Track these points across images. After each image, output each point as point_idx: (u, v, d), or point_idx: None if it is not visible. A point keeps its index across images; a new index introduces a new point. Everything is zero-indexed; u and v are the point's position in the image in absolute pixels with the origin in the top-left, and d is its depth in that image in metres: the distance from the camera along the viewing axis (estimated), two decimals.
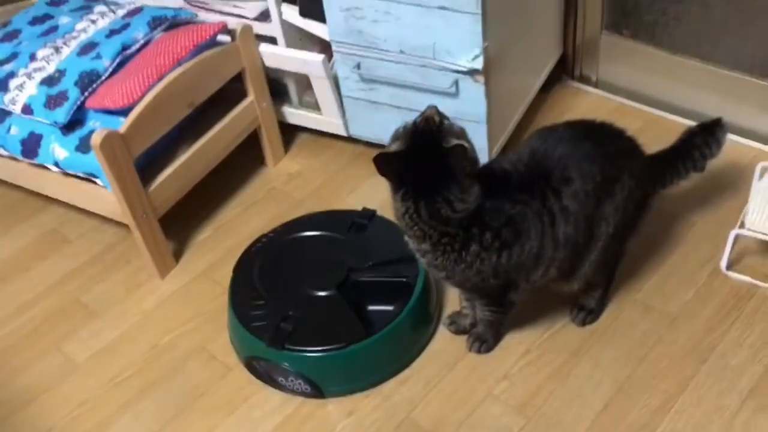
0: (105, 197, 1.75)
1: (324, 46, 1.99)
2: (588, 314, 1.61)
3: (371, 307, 1.60)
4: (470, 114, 1.84)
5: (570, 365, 1.55)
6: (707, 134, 1.62)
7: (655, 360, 1.53)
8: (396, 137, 1.30)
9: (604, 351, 1.56)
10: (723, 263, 1.66)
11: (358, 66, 1.89)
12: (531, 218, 1.34)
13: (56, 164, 1.77)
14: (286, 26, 1.98)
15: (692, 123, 2.04)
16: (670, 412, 1.44)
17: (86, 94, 1.78)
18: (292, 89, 2.11)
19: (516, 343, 1.60)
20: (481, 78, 1.75)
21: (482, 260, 1.34)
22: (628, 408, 1.46)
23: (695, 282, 1.66)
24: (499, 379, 1.54)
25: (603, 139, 1.46)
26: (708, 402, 1.45)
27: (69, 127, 1.76)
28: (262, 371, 1.59)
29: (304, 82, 2.10)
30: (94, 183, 1.77)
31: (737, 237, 1.64)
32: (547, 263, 1.40)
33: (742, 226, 1.62)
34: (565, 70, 2.27)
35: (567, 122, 1.51)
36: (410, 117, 1.91)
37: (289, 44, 2.01)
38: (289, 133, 2.20)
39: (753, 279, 1.64)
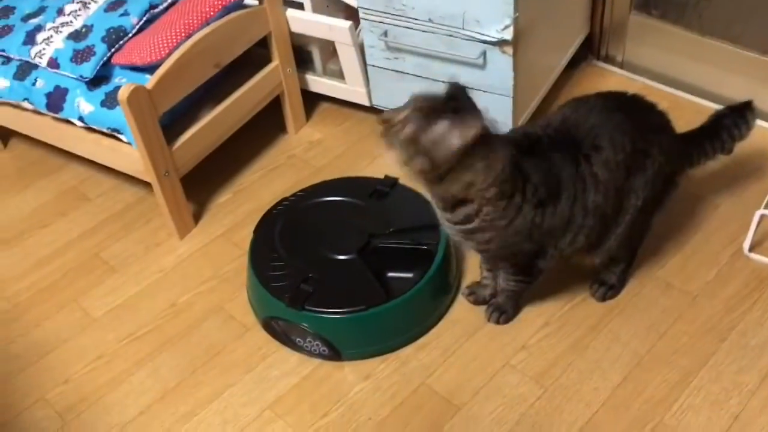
0: (129, 154, 1.75)
1: (351, 13, 1.98)
2: (609, 289, 1.60)
3: (391, 274, 1.59)
4: (496, 86, 1.82)
5: (589, 338, 1.54)
6: (737, 116, 1.61)
7: (675, 336, 1.53)
8: (415, 107, 1.28)
9: (624, 326, 1.56)
10: (746, 244, 1.65)
11: (385, 34, 1.88)
12: (564, 180, 1.34)
13: (81, 119, 1.77)
14: None
15: (718, 106, 2.04)
16: (689, 387, 1.44)
17: (113, 50, 1.78)
18: (317, 57, 2.10)
19: (535, 315, 1.60)
20: (509, 49, 1.74)
21: (523, 215, 1.32)
22: (646, 382, 1.46)
23: (717, 262, 1.65)
24: (518, 350, 1.54)
25: (635, 112, 1.45)
26: (726, 379, 1.44)
27: (95, 82, 1.76)
28: (281, 331, 1.59)
29: (329, 50, 2.09)
30: (118, 139, 1.77)
31: (762, 218, 1.63)
32: (576, 230, 1.39)
33: (767, 207, 1.61)
34: (591, 50, 2.25)
35: (599, 93, 1.50)
36: (434, 88, 1.91)
37: (316, 10, 1.99)
38: (312, 101, 2.19)
39: None
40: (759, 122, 1.97)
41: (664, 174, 1.45)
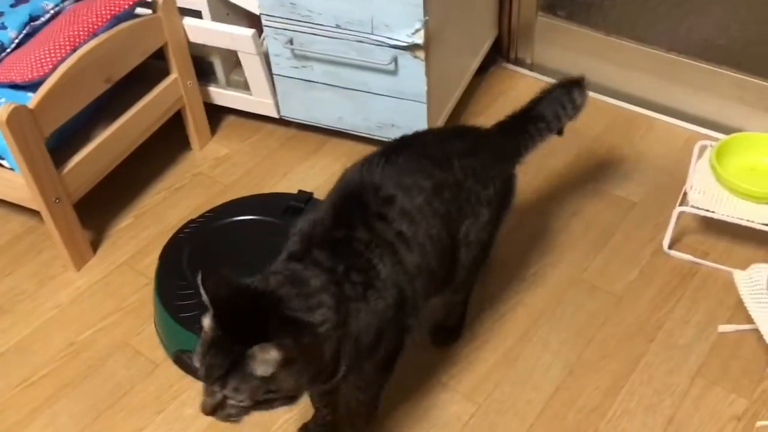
0: (12, 180, 1.59)
1: (253, 21, 1.88)
2: (451, 333, 1.50)
3: None
4: (410, 93, 1.77)
5: (518, 349, 1.50)
6: (563, 94, 1.48)
7: (603, 340, 1.50)
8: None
9: (553, 332, 1.52)
10: (665, 242, 1.65)
11: (291, 41, 1.79)
12: (369, 257, 1.10)
13: None
14: None
15: (628, 106, 2.07)
16: (621, 393, 1.41)
17: None
18: (219, 68, 1.98)
19: (463, 329, 1.54)
20: (421, 53, 1.68)
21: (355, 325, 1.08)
22: (579, 389, 1.42)
23: (639, 261, 1.65)
24: (447, 367, 1.48)
25: (422, 147, 1.26)
26: (658, 381, 1.43)
27: None
28: (193, 366, 1.46)
29: (232, 60, 1.98)
30: (0, 165, 1.60)
31: (680, 215, 1.63)
32: (414, 296, 1.17)
33: (684, 203, 1.62)
34: (500, 53, 2.23)
35: (377, 151, 1.27)
36: (345, 96, 1.85)
37: (215, 18, 1.88)
38: (216, 114, 2.07)
39: (694, 257, 1.63)
40: (667, 119, 2.01)
41: (495, 193, 1.29)
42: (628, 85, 2.06)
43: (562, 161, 1.90)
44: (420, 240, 1.16)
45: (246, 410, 1.00)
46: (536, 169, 1.87)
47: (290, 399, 1.02)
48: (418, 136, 1.34)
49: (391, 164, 1.19)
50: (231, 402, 0.99)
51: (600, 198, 1.80)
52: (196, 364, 1.01)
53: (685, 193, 1.64)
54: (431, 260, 1.18)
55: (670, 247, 1.65)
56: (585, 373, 1.45)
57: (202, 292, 0.99)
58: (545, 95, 1.48)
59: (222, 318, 0.99)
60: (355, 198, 1.16)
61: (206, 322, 1.00)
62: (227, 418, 1.01)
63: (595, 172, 1.87)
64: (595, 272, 1.63)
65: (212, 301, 0.99)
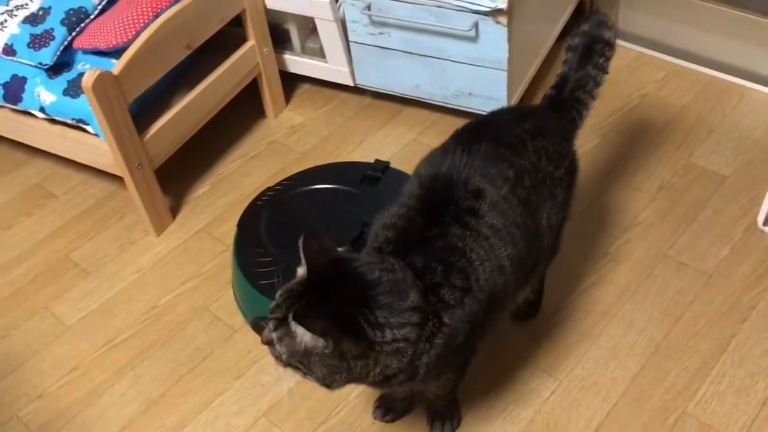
0: (96, 146, 1.61)
1: None
2: (531, 307, 1.45)
3: None
4: (490, 60, 1.71)
5: (602, 325, 1.45)
6: (593, 41, 1.35)
7: (692, 319, 1.44)
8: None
9: (637, 311, 1.47)
10: (761, 218, 1.57)
11: (369, 7, 1.75)
12: (464, 252, 1.06)
13: (42, 110, 1.63)
14: None
15: (718, 74, 1.96)
16: (711, 373, 1.36)
17: (74, 33, 1.63)
18: (295, 35, 1.97)
19: (542, 304, 1.50)
20: (504, 19, 1.63)
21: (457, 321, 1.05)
22: (665, 370, 1.37)
23: (731, 238, 1.57)
24: (527, 342, 1.44)
25: (497, 134, 1.21)
26: (751, 362, 1.36)
27: (56, 69, 1.62)
28: None
29: (308, 27, 1.96)
30: (84, 131, 1.63)
31: None
32: (504, 295, 1.14)
33: None
34: (582, 19, 2.15)
35: (453, 134, 1.25)
36: (422, 63, 1.81)
37: None
38: (291, 82, 2.07)
39: None
40: (761, 88, 1.90)
41: (561, 178, 1.23)
42: (719, 53, 1.95)
43: (648, 132, 1.82)
44: (511, 230, 1.12)
45: (284, 363, 1.01)
46: (622, 140, 1.81)
47: (323, 383, 1.01)
48: (487, 122, 1.30)
49: (473, 155, 1.15)
50: (276, 346, 1.00)
51: (688, 171, 1.72)
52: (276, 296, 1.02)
53: None
54: (522, 250, 1.13)
55: (765, 224, 1.57)
56: (672, 353, 1.39)
57: (301, 252, 1.00)
58: (576, 51, 1.36)
59: (309, 278, 0.99)
60: (444, 193, 1.11)
61: (300, 271, 1.02)
62: (275, 359, 1.03)
63: (683, 144, 1.78)
64: (683, 248, 1.57)
65: (307, 262, 0.99)
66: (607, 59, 1.37)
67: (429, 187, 1.13)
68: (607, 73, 1.38)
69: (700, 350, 1.39)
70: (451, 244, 1.07)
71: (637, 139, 1.81)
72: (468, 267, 1.06)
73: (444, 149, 1.19)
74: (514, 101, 1.82)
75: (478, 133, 1.22)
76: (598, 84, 1.36)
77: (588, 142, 1.81)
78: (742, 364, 1.36)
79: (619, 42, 2.10)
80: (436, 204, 1.11)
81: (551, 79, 1.99)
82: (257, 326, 1.50)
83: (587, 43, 1.36)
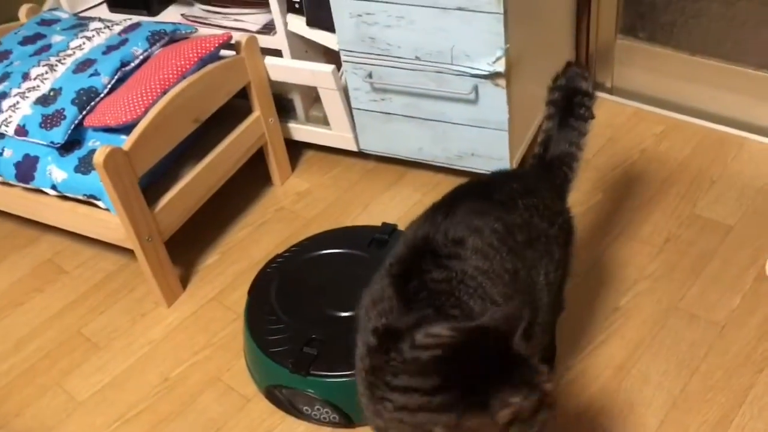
0: (107, 221, 1.63)
1: (331, 57, 1.91)
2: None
3: None
4: (491, 121, 1.75)
5: (617, 380, 1.44)
6: (571, 94, 1.36)
7: (708, 371, 1.43)
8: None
9: (652, 364, 1.46)
10: None
11: (370, 75, 1.80)
12: (454, 291, 1.02)
13: (54, 187, 1.66)
14: (292, 37, 1.89)
15: (716, 126, 2.00)
16: (731, 426, 1.34)
17: (84, 112, 1.67)
18: (298, 104, 2.02)
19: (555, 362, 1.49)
20: (502, 82, 1.67)
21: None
22: (685, 425, 1.35)
23: (741, 288, 1.57)
24: None
25: (482, 193, 1.20)
26: None
27: (67, 147, 1.65)
28: (285, 400, 1.46)
29: (311, 96, 2.01)
30: (95, 206, 1.65)
31: None
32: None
33: None
34: None
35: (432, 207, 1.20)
36: (425, 127, 1.85)
37: (295, 56, 1.92)
38: (296, 150, 2.10)
39: None
40: (759, 138, 1.93)
41: (560, 229, 1.22)
42: (716, 105, 1.99)
43: (650, 186, 1.84)
44: (499, 273, 1.07)
45: None
46: (624, 195, 1.82)
47: None
48: (475, 182, 1.29)
49: (454, 214, 1.12)
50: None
51: (693, 223, 1.73)
52: None
53: None
54: (515, 293, 1.10)
55: None
56: (691, 407, 1.38)
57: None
58: (557, 105, 1.36)
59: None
60: (422, 247, 1.07)
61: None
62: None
63: (686, 196, 1.80)
64: (693, 300, 1.57)
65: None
66: (588, 108, 1.37)
67: (410, 246, 1.09)
68: (590, 119, 1.37)
69: (718, 402, 1.38)
70: (438, 290, 1.01)
71: (640, 194, 1.83)
72: (461, 305, 1.01)
73: (425, 215, 1.15)
74: (516, 160, 1.85)
75: (458, 197, 1.20)
76: (583, 134, 1.36)
77: (590, 198, 1.83)
78: (761, 415, 1.35)
79: (616, 99, 2.15)
80: (416, 258, 1.06)
81: None
82: (271, 394, 1.49)
83: (566, 96, 1.37)
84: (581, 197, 1.83)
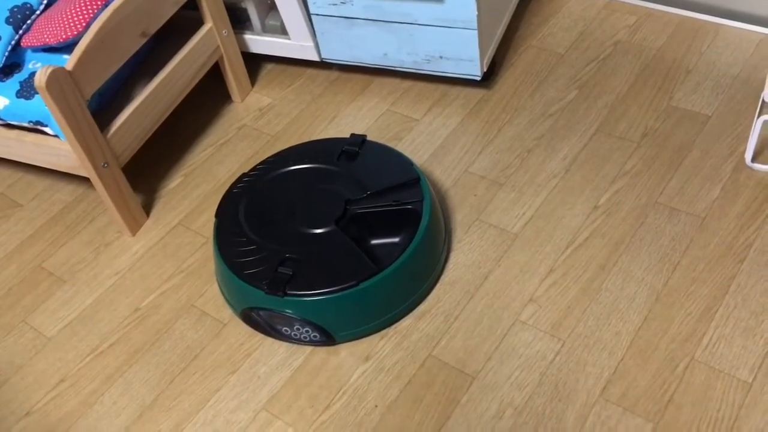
0: (58, 148, 1.53)
1: None
2: None
3: (375, 241, 1.44)
4: (459, 20, 1.66)
5: (599, 280, 1.42)
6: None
7: (690, 264, 1.41)
8: None
9: (634, 261, 1.44)
10: (748, 155, 1.54)
11: None
12: None
13: None
14: None
15: (690, 14, 1.93)
16: (716, 317, 1.33)
17: (21, 31, 1.54)
18: (253, 13, 1.89)
19: (536, 263, 1.46)
20: None
21: None
22: (669, 318, 1.34)
23: (720, 178, 1.54)
24: (525, 303, 1.41)
25: None
26: (754, 302, 1.34)
27: (5, 71, 1.53)
28: (263, 322, 1.42)
29: (266, 4, 1.88)
30: (44, 133, 1.55)
31: (763, 124, 1.51)
32: None
33: (764, 112, 1.50)
34: None
35: None
36: (389, 30, 1.75)
37: None
38: (255, 63, 1.99)
39: None
40: (734, 23, 1.87)
41: None
42: None
43: (625, 80, 1.78)
44: None
45: None
46: (600, 90, 1.76)
47: None
48: None
49: None
50: None
51: (670, 114, 1.68)
52: None
53: (763, 101, 1.52)
54: None
55: (753, 160, 1.54)
56: (674, 301, 1.37)
57: None
58: None
59: None
60: None
61: None
62: None
63: (662, 88, 1.75)
64: (673, 194, 1.54)
65: None
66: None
67: None
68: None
69: (701, 295, 1.37)
70: None
71: (616, 88, 1.77)
72: None
73: None
74: (486, 61, 1.77)
75: None
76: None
77: (565, 95, 1.77)
78: (745, 304, 1.34)
79: None
80: None
81: (521, 37, 1.96)
82: (248, 317, 1.45)
83: None
84: (555, 95, 1.77)
